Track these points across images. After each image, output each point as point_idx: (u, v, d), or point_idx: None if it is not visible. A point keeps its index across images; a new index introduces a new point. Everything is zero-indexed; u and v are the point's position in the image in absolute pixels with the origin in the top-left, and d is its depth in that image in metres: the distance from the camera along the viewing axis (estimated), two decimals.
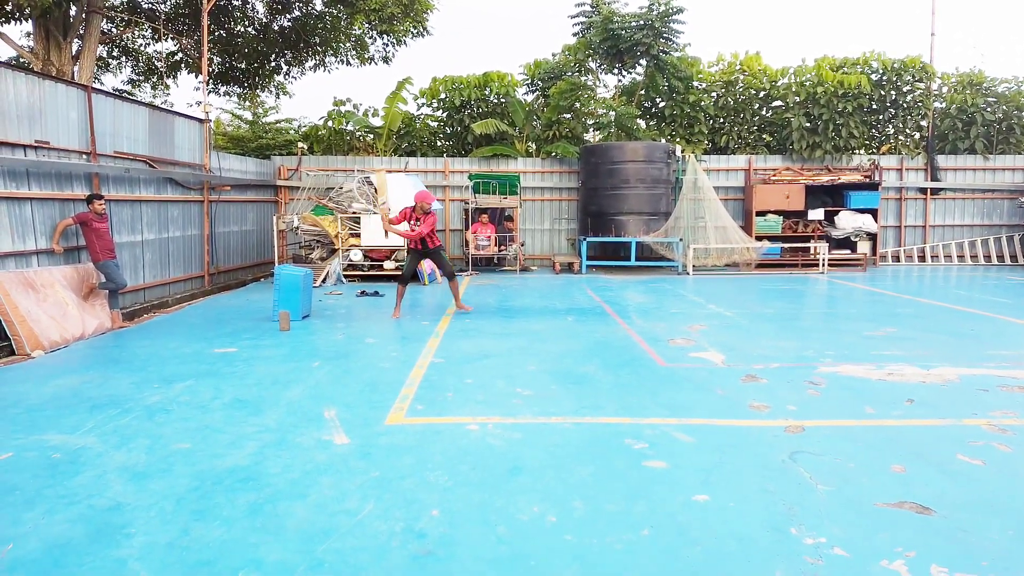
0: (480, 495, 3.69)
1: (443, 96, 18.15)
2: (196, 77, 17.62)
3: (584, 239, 15.54)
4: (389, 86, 24.96)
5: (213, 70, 17.30)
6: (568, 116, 17.92)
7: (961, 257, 17.41)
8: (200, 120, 12.63)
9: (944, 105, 18.10)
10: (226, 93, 18.90)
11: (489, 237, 15.44)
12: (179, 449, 4.39)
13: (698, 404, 5.36)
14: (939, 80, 18.34)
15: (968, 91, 17.93)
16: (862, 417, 5.01)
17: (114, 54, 17.60)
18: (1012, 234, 17.39)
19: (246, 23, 16.88)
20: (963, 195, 17.49)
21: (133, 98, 14.36)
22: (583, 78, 18.28)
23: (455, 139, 18.60)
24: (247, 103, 20.64)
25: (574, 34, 18.25)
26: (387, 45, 18.34)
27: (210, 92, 17.81)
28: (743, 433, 4.68)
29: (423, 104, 18.69)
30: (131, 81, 18.55)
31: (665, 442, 4.48)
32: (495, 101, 18.31)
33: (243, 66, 17.53)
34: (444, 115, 18.62)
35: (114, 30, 15.87)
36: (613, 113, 17.54)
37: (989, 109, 17.77)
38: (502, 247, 15.57)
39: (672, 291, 12.28)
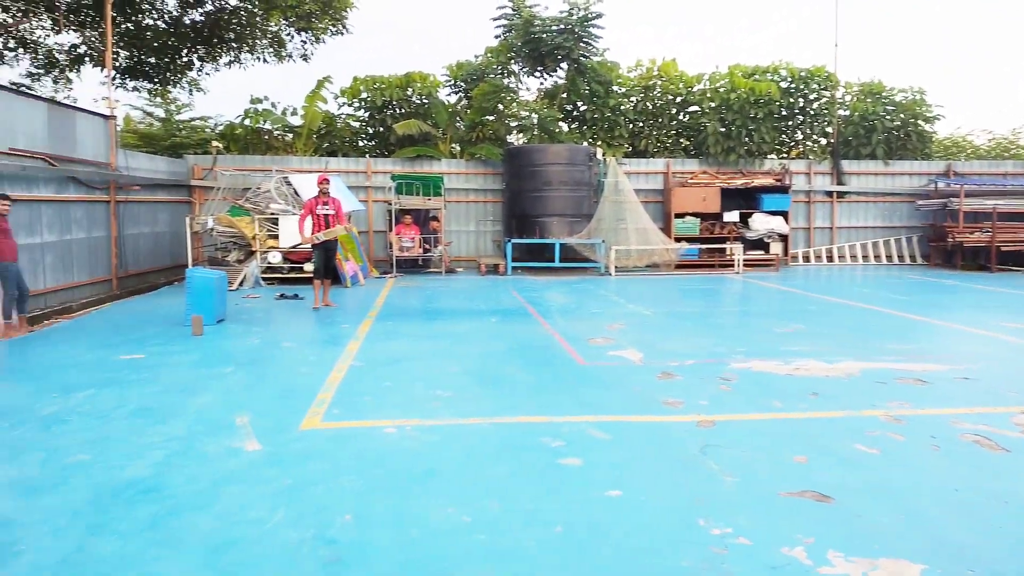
0: (394, 499, 3.65)
1: (364, 96, 17.91)
2: (101, 71, 16.80)
3: (509, 240, 15.60)
4: (308, 84, 24.35)
5: (120, 64, 16.52)
6: (491, 118, 17.96)
7: (865, 257, 18.35)
8: (105, 116, 12.02)
9: (848, 113, 19.06)
10: (135, 88, 18.03)
11: (413, 239, 15.32)
12: (76, 461, 4.16)
13: (614, 401, 5.46)
14: (843, 89, 19.32)
15: (869, 100, 18.95)
16: (770, 411, 5.20)
17: (10, 45, 16.56)
18: (911, 235, 18.46)
19: (155, 16, 16.18)
20: (866, 198, 18.45)
21: (30, 92, 13.51)
22: (505, 80, 18.37)
23: (378, 139, 18.40)
24: (158, 99, 19.78)
25: (496, 36, 18.31)
26: (305, 43, 17.98)
27: (117, 87, 17.00)
28: (657, 429, 4.79)
29: (344, 104, 18.42)
30: (30, 75, 17.46)
31: (581, 440, 4.53)
32: (417, 102, 18.20)
33: (153, 61, 16.79)
34: (366, 115, 18.38)
35: (8, 20, 14.93)
36: (535, 116, 17.70)
37: (888, 117, 18.82)
38: (427, 248, 15.47)
39: (594, 292, 12.47)
